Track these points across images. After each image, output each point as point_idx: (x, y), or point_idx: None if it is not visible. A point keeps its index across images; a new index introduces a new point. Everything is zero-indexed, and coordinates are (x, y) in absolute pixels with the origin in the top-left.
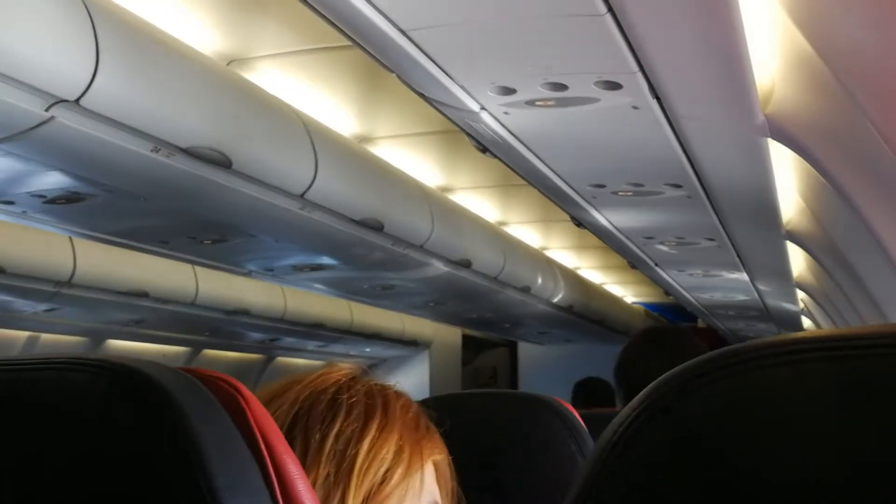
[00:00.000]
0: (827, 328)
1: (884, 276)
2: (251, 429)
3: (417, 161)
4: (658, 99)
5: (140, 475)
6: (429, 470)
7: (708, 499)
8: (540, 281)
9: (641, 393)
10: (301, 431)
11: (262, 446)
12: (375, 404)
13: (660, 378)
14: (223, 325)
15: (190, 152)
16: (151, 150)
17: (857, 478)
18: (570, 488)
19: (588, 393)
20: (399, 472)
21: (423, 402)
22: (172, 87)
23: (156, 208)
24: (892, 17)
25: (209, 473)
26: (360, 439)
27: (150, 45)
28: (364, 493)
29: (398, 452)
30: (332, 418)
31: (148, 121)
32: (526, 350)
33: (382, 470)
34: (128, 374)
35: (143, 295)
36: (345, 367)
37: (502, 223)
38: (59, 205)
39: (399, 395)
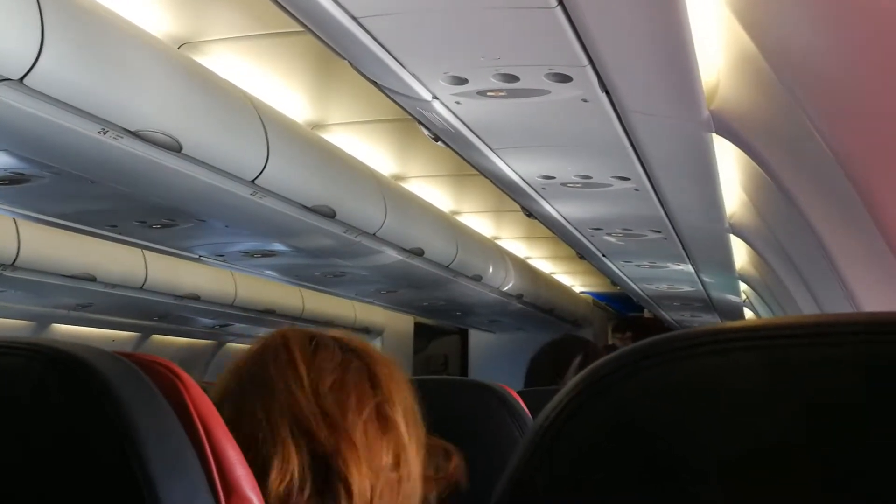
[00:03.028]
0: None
1: (821, 270)
2: (190, 414)
3: (370, 148)
4: (607, 92)
5: (76, 460)
6: None
7: (638, 479)
8: (491, 270)
9: (577, 377)
10: None
11: (201, 431)
12: None
13: (594, 364)
14: (173, 310)
15: (139, 135)
16: (99, 133)
17: (781, 460)
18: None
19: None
20: None
21: None
22: (121, 68)
23: (104, 191)
24: (831, 20)
25: (144, 459)
26: None
27: (98, 26)
28: None
29: None
30: None
31: (95, 102)
32: (477, 338)
33: None
34: (62, 359)
35: (91, 279)
36: None
37: (455, 212)
38: (3, 186)
39: None
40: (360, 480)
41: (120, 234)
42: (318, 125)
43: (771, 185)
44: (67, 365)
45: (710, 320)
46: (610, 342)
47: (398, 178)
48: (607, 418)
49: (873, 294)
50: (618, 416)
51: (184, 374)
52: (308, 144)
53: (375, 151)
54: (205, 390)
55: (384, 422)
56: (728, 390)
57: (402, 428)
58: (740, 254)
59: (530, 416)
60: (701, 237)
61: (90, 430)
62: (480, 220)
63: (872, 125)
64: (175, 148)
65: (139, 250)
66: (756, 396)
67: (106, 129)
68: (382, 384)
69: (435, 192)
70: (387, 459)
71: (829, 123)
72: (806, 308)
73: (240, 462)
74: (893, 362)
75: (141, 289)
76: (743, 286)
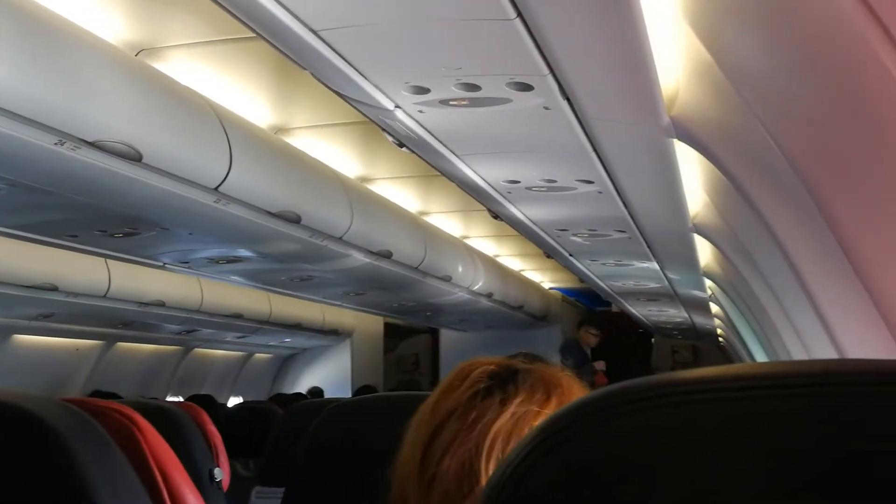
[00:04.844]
0: (733, 314)
1: (779, 265)
2: (146, 461)
3: (336, 151)
4: (568, 100)
5: None
6: None
7: None
8: (460, 269)
9: (532, 431)
10: None
11: (159, 478)
12: None
13: (550, 416)
14: (138, 317)
15: (97, 146)
16: (55, 144)
17: None
18: None
19: None
20: None
21: (335, 408)
22: (77, 77)
23: (62, 202)
24: (778, 33)
25: None
26: None
27: (52, 34)
28: None
29: None
30: None
31: (51, 113)
32: (448, 337)
33: None
34: (12, 413)
35: (52, 289)
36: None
37: (423, 213)
38: None
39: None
40: None
41: (81, 243)
42: (281, 129)
43: (730, 187)
44: (17, 419)
45: (676, 314)
46: (575, 336)
47: (364, 180)
48: (561, 475)
49: (827, 287)
50: (571, 472)
51: (141, 419)
52: (271, 149)
53: (340, 154)
54: None
55: None
56: (685, 445)
57: None
58: (704, 252)
59: None
60: (665, 237)
61: (42, 484)
62: (448, 220)
63: (818, 129)
64: (135, 157)
65: (102, 259)
66: (711, 451)
67: (63, 140)
68: None
69: (402, 194)
70: None
71: (781, 128)
72: (766, 302)
73: None
74: (845, 417)
75: (104, 297)
76: (708, 282)
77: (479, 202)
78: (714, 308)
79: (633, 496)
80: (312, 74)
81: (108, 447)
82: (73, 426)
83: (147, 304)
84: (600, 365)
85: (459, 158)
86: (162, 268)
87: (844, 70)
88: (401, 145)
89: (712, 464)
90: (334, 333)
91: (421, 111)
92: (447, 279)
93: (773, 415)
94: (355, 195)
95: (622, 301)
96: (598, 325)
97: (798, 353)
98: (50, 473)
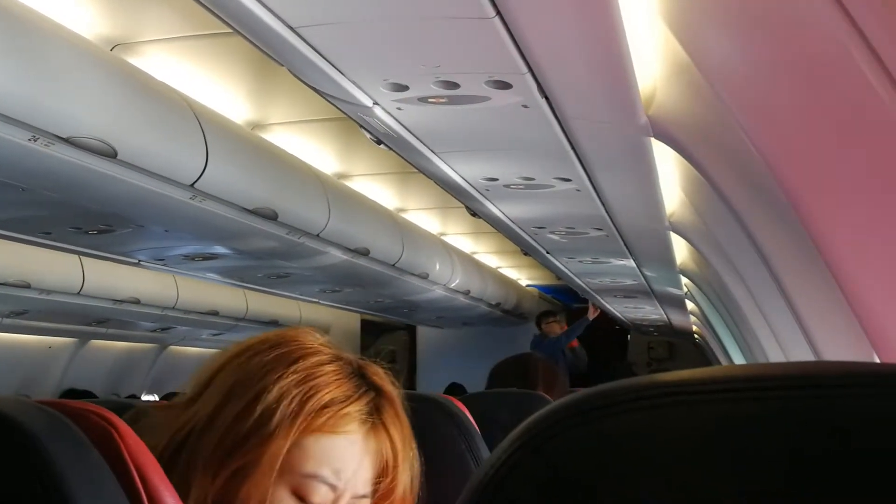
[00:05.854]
0: (709, 311)
1: (756, 266)
2: (125, 463)
3: (313, 148)
4: (547, 98)
5: None
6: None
7: None
8: (438, 267)
9: (512, 434)
10: None
11: (137, 481)
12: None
13: (529, 419)
14: (112, 314)
15: (71, 142)
16: (29, 140)
17: None
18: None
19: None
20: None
21: None
22: (51, 72)
23: (36, 199)
24: (755, 32)
25: None
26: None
27: (25, 29)
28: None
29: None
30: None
31: (24, 109)
32: (425, 333)
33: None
34: None
35: (25, 286)
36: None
37: (400, 210)
38: None
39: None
40: None
41: (54, 240)
42: (258, 125)
43: (707, 186)
44: None
45: (652, 311)
46: (539, 332)
47: (342, 176)
48: (540, 478)
49: (802, 287)
50: (550, 475)
51: (119, 421)
52: (248, 145)
53: (318, 150)
54: None
55: None
56: (662, 446)
57: None
58: (680, 249)
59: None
60: (642, 235)
61: (18, 488)
62: (426, 217)
63: (794, 129)
64: (110, 154)
65: (76, 256)
66: (690, 452)
67: (36, 136)
68: None
69: (380, 190)
70: None
71: (757, 128)
72: (741, 300)
73: None
74: (821, 419)
75: (78, 294)
76: (684, 280)
77: (456, 199)
78: (690, 305)
79: (613, 497)
80: (290, 71)
81: (85, 450)
82: (49, 429)
83: (122, 302)
84: (594, 311)
85: (437, 156)
86: (137, 265)
87: (819, 70)
88: (379, 142)
89: (691, 465)
90: None
91: (399, 108)
92: (424, 276)
93: (751, 417)
94: (332, 192)
95: (599, 298)
96: (553, 313)
97: (773, 353)
98: (26, 477)
